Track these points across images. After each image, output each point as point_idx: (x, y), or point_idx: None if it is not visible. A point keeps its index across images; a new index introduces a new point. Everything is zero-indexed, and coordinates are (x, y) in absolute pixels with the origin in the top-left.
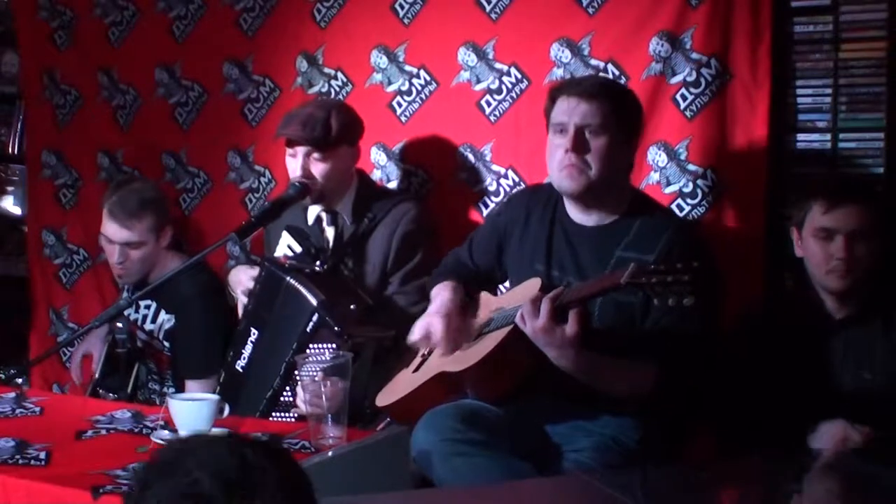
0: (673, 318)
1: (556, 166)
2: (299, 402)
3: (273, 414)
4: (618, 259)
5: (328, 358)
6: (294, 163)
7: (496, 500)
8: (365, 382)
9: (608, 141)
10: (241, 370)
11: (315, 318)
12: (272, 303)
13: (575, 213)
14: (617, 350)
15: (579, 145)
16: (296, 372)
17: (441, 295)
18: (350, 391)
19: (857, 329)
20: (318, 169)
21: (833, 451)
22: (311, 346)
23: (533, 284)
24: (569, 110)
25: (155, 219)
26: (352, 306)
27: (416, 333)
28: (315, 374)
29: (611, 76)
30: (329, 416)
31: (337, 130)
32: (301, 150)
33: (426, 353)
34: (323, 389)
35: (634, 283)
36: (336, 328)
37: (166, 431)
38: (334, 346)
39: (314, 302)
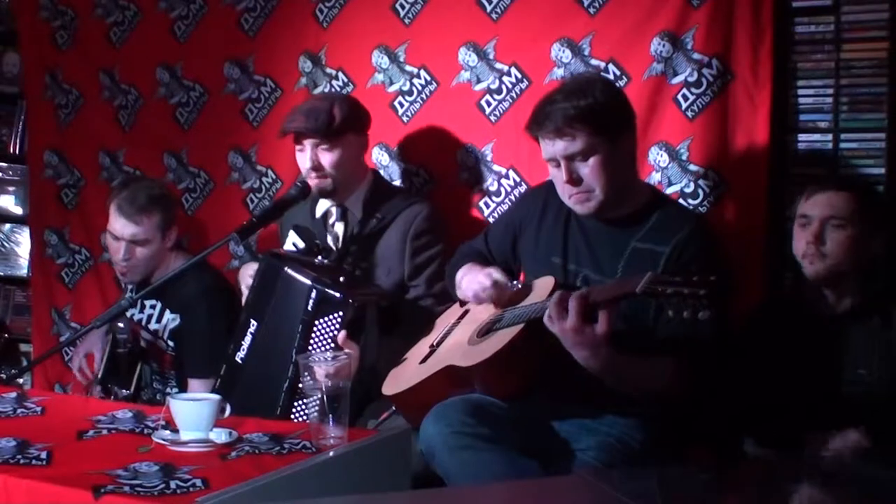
0: (684, 326)
1: (564, 195)
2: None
3: (294, 404)
4: (633, 250)
5: (329, 357)
6: (303, 157)
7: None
8: (375, 339)
9: (599, 160)
10: (240, 361)
11: (314, 294)
12: (271, 294)
13: None
14: (627, 348)
15: (574, 178)
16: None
17: (473, 269)
18: (363, 351)
19: (855, 326)
20: (328, 159)
21: (835, 454)
22: (317, 321)
23: (546, 282)
24: (552, 148)
25: (162, 216)
26: (341, 278)
27: (467, 290)
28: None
29: (611, 76)
30: (330, 416)
31: (341, 118)
32: (309, 143)
33: (435, 344)
34: (323, 387)
35: (649, 293)
36: (338, 295)
37: (167, 431)
38: (340, 314)
39: (308, 281)
